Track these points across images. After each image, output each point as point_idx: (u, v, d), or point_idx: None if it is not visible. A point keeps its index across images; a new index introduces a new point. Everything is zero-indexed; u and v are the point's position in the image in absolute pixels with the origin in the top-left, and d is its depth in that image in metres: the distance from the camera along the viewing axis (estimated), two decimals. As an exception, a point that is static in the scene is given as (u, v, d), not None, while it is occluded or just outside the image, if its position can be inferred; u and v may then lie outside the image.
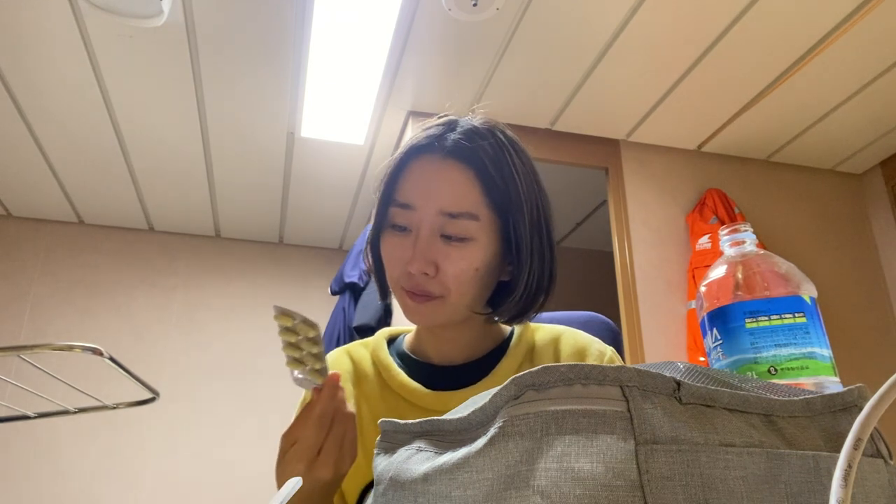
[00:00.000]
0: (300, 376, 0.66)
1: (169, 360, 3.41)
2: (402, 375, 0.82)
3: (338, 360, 0.88)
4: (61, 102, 2.55)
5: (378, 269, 0.82)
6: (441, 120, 0.80)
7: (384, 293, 0.83)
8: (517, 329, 0.87)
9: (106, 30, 2.19)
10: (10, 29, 2.18)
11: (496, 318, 0.82)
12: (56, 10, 2.10)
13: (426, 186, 0.74)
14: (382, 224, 0.78)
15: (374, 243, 0.81)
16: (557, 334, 0.86)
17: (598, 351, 0.84)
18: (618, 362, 0.83)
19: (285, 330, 0.64)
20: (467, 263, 0.74)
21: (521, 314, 0.80)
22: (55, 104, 2.56)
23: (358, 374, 0.85)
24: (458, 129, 0.77)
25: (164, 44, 2.26)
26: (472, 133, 0.76)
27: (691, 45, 2.30)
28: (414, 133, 0.80)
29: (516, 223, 0.75)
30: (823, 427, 0.39)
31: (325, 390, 0.64)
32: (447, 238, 0.74)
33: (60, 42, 2.23)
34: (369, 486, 0.76)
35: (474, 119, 0.80)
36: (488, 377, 0.81)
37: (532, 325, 0.88)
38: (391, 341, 0.90)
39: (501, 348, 0.85)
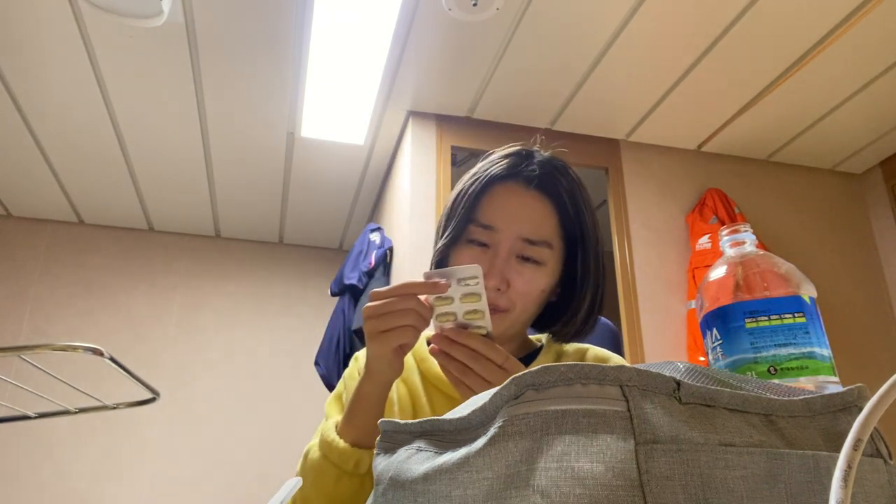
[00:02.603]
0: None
1: (169, 360, 3.41)
2: (439, 368, 0.87)
3: None
4: (61, 102, 2.55)
5: None
6: (514, 149, 0.87)
7: None
8: (546, 341, 0.93)
9: (106, 30, 2.19)
10: (11, 29, 2.18)
11: (554, 338, 0.89)
12: (56, 10, 2.10)
13: (510, 212, 0.82)
14: (458, 238, 0.84)
15: (444, 254, 0.86)
16: (585, 348, 0.92)
17: (617, 363, 0.88)
18: None
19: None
20: (536, 284, 0.81)
21: (577, 334, 0.87)
22: (55, 104, 2.56)
23: None
24: (536, 162, 0.84)
25: (164, 44, 2.26)
26: (552, 167, 0.84)
27: (691, 46, 2.30)
28: (489, 159, 0.87)
29: (584, 254, 0.84)
30: (823, 427, 0.39)
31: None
32: (522, 259, 0.81)
33: (60, 42, 2.23)
34: None
35: (545, 152, 0.87)
36: None
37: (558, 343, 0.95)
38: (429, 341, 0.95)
39: (532, 356, 0.91)
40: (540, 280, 0.81)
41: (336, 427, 0.77)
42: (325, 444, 0.77)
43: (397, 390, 0.88)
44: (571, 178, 0.84)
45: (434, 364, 0.88)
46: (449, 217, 0.86)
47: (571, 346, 0.93)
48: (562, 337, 0.88)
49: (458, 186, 0.87)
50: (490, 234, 0.81)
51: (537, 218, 0.82)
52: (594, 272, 0.85)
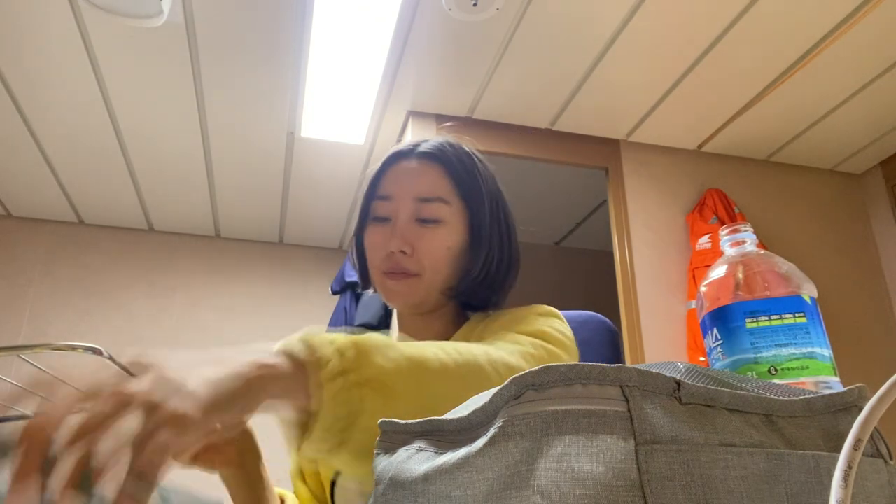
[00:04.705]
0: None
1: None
2: None
3: None
4: (61, 102, 2.55)
5: (361, 262, 0.92)
6: (414, 138, 0.95)
7: (366, 284, 0.92)
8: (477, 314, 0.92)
9: (106, 30, 2.19)
10: (11, 29, 2.18)
11: (464, 300, 0.89)
12: (56, 10, 2.10)
13: (404, 179, 0.87)
14: (366, 219, 0.89)
15: (359, 238, 0.91)
16: (505, 310, 0.90)
17: (517, 309, 0.86)
18: (545, 315, 0.84)
19: None
20: (440, 242, 0.84)
21: (486, 295, 0.88)
22: (55, 104, 2.56)
23: None
24: (430, 141, 0.91)
25: (164, 44, 2.26)
26: (442, 141, 0.90)
27: (691, 45, 2.30)
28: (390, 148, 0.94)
29: (479, 210, 0.87)
30: (823, 427, 0.39)
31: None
32: (422, 221, 0.84)
33: (60, 42, 2.23)
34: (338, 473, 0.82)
35: (442, 136, 0.94)
36: None
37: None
38: None
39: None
40: (442, 237, 0.84)
41: None
42: None
43: None
44: (462, 148, 0.90)
45: None
46: (360, 205, 0.92)
47: (497, 311, 0.90)
48: (476, 297, 0.88)
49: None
50: (389, 206, 0.86)
51: (428, 179, 0.86)
52: (491, 229, 0.87)
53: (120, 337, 3.39)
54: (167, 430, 0.37)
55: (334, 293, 2.82)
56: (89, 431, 0.36)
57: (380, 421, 0.47)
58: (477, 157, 0.91)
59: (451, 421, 0.40)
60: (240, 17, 2.15)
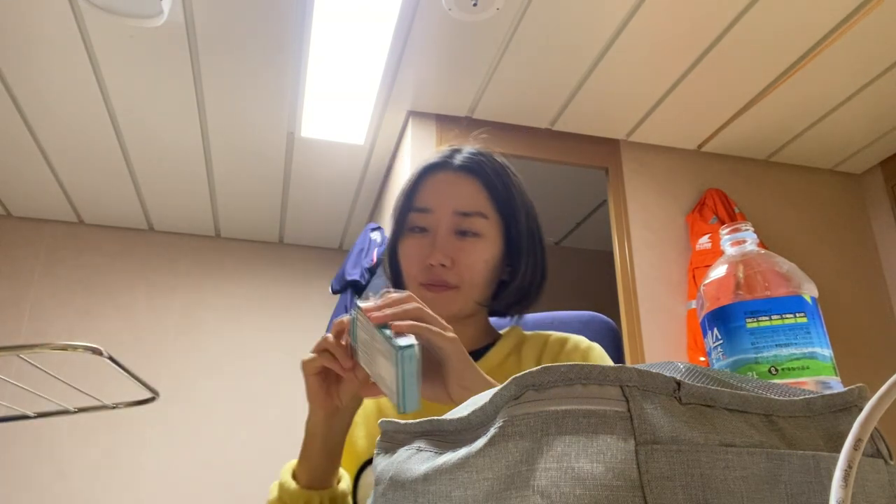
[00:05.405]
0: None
1: (169, 360, 3.41)
2: None
3: None
4: (61, 102, 2.55)
5: (395, 272, 0.93)
6: (447, 146, 0.96)
7: None
8: (508, 327, 0.96)
9: (106, 30, 2.19)
10: (11, 29, 2.18)
11: (497, 308, 0.93)
12: (56, 10, 2.10)
13: (442, 192, 0.89)
14: (402, 230, 0.90)
15: (393, 249, 0.92)
16: (547, 334, 0.95)
17: (575, 341, 0.91)
18: (593, 355, 0.89)
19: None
20: (479, 255, 0.86)
21: (518, 303, 0.92)
22: (55, 104, 2.56)
23: None
24: (464, 151, 0.93)
25: (164, 44, 2.26)
26: (477, 153, 0.93)
27: (691, 46, 2.30)
28: (424, 158, 0.95)
29: (516, 223, 0.90)
30: (823, 427, 0.39)
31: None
32: (461, 234, 0.87)
33: (60, 42, 2.23)
34: (363, 467, 0.84)
35: (475, 146, 0.96)
36: (477, 363, 0.86)
37: (523, 331, 0.97)
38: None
39: (494, 343, 0.93)
40: (481, 251, 0.86)
41: (293, 468, 0.76)
42: (280, 486, 0.75)
43: (364, 410, 0.89)
44: (496, 160, 0.93)
45: None
46: (393, 215, 0.93)
47: (535, 334, 0.94)
48: (502, 306, 0.92)
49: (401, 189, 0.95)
50: (427, 218, 0.87)
51: (467, 192, 0.88)
52: (526, 242, 0.90)
53: (120, 337, 3.39)
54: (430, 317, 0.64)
55: (334, 292, 2.82)
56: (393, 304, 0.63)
57: (380, 421, 0.47)
58: (510, 168, 0.93)
59: (451, 421, 0.40)
60: (240, 16, 2.15)
